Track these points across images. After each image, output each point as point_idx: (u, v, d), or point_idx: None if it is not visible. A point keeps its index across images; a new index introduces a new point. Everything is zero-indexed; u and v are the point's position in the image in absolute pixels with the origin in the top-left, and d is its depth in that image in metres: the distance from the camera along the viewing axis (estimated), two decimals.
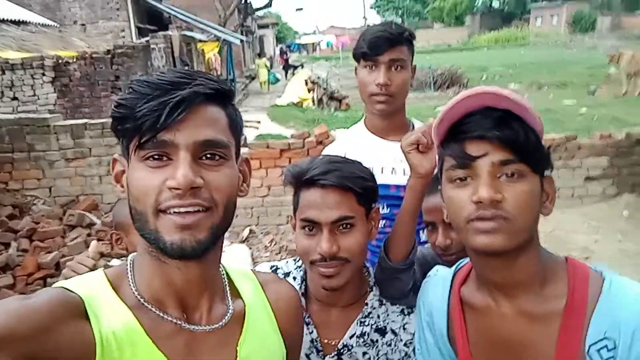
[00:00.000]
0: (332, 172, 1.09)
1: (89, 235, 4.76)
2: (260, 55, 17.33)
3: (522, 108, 0.86)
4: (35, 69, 8.33)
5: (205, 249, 0.71)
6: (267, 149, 5.39)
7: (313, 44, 44.85)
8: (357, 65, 1.67)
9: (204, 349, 0.76)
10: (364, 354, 1.18)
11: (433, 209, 1.29)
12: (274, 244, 5.26)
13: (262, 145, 5.44)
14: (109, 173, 5.52)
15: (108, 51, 8.47)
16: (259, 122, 11.16)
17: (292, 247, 5.02)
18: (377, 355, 1.19)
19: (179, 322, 0.75)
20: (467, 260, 1.07)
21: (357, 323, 1.19)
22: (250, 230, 5.33)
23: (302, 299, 1.20)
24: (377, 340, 1.20)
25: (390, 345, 1.20)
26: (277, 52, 29.29)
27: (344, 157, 1.21)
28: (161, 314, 0.74)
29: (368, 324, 1.19)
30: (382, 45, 1.55)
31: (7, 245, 4.47)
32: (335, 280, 1.11)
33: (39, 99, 8.44)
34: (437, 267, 1.16)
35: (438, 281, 1.10)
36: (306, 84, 14.72)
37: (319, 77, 15.17)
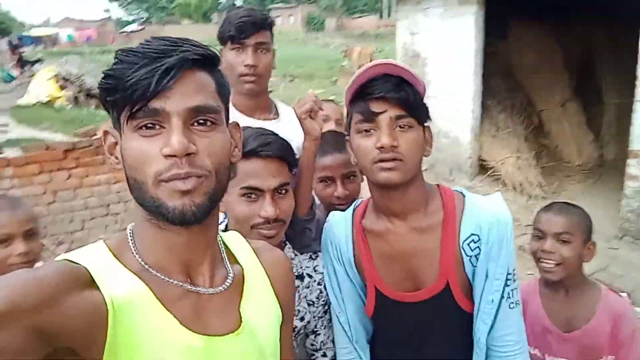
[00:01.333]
0: (270, 144, 1.23)
1: None
2: None
3: (411, 75, 1.15)
4: None
5: (205, 213, 0.73)
6: (47, 150, 4.81)
7: (50, 36, 39.30)
8: (222, 48, 1.75)
9: (210, 311, 0.78)
10: None
11: (333, 165, 1.54)
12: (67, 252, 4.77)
13: (41, 147, 4.83)
14: None
15: None
16: (6, 124, 9.53)
17: None
18: (299, 298, 1.36)
19: (185, 285, 0.76)
20: (359, 201, 1.36)
21: None
22: (43, 245, 4.70)
23: None
24: (298, 286, 1.35)
25: (308, 287, 1.38)
26: (5, 45, 24.82)
27: (272, 131, 1.30)
28: (166, 279, 0.75)
29: None
30: (249, 29, 1.67)
31: None
32: (275, 240, 1.22)
33: None
34: (333, 212, 1.41)
35: (340, 219, 1.34)
36: (56, 81, 13.06)
37: (70, 74, 13.59)
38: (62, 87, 13.03)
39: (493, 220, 1.16)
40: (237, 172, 1.22)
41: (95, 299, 0.66)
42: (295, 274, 1.35)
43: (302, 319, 1.36)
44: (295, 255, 1.40)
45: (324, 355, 1.43)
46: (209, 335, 0.75)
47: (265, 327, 0.85)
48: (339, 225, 1.32)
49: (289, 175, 1.27)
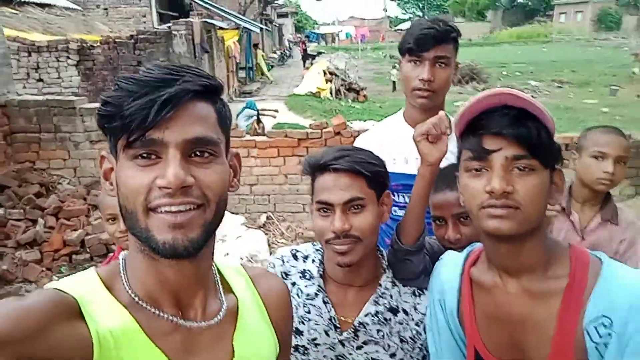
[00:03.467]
0: (343, 157, 1.18)
1: None
2: (257, 46, 17.72)
3: (536, 108, 0.94)
4: (60, 52, 8.50)
5: (198, 247, 0.70)
6: (286, 137, 5.48)
7: (332, 34, 44.68)
8: (401, 59, 1.71)
9: (200, 345, 0.76)
10: (378, 331, 1.26)
11: (442, 204, 1.36)
12: (290, 231, 5.37)
13: (281, 134, 5.53)
14: None
15: (131, 36, 8.59)
16: (276, 110, 11.26)
17: (308, 234, 5.12)
18: (390, 332, 1.26)
19: (175, 319, 0.74)
20: (477, 244, 1.15)
21: (372, 302, 1.26)
22: (267, 217, 5.44)
23: (321, 280, 1.29)
24: (390, 319, 1.27)
25: (402, 323, 1.27)
26: (285, 42, 29.09)
27: (355, 146, 1.28)
28: (157, 312, 0.73)
29: (381, 304, 1.27)
30: (428, 42, 1.59)
31: (34, 222, 4.63)
32: (348, 257, 1.18)
33: (63, 81, 8.62)
34: (449, 251, 1.24)
35: (450, 262, 1.18)
36: (324, 74, 14.74)
37: (337, 68, 15.18)
38: (328, 80, 14.63)
39: (635, 303, 0.88)
40: (315, 186, 1.22)
41: (81, 331, 0.65)
42: (389, 306, 1.27)
43: (392, 354, 1.27)
44: (394, 285, 1.30)
45: None
46: None
47: (260, 358, 0.82)
48: (447, 269, 1.17)
49: (368, 190, 1.19)
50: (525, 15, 52.83)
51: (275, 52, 28.56)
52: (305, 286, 1.30)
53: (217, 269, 0.86)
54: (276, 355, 0.86)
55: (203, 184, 0.69)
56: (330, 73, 14.61)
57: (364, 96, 14.91)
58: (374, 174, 1.20)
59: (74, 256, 4.45)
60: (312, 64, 19.60)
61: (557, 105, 13.81)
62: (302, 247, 1.39)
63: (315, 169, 1.22)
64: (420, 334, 1.27)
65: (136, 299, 0.72)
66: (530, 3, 53.70)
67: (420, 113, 1.69)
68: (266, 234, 5.16)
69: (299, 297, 1.30)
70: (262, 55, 19.12)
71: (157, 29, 9.04)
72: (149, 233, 0.68)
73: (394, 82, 17.53)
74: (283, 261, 1.35)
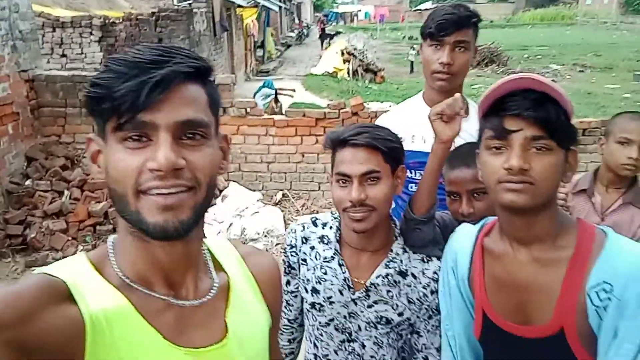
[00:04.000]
0: (362, 134, 1.28)
1: None
2: (268, 24, 17.77)
3: (556, 92, 1.02)
4: (84, 28, 8.60)
5: (188, 228, 0.70)
6: (304, 117, 5.55)
7: (351, 13, 44.16)
8: (422, 42, 1.79)
9: (194, 323, 0.76)
10: (388, 291, 1.37)
11: (458, 180, 1.45)
12: (305, 208, 5.49)
13: (299, 114, 5.60)
14: None
15: (152, 13, 8.66)
16: (293, 90, 11.30)
17: (322, 212, 5.24)
18: (399, 294, 1.37)
19: (167, 298, 0.74)
20: (491, 218, 1.25)
21: (383, 266, 1.37)
22: (283, 194, 5.56)
23: (337, 245, 1.40)
24: (399, 282, 1.38)
25: (410, 286, 1.38)
26: (304, 21, 28.65)
27: (375, 124, 1.39)
28: (149, 292, 0.73)
29: (392, 267, 1.37)
30: (449, 28, 1.67)
31: (60, 194, 4.82)
32: (363, 224, 1.29)
33: (86, 57, 8.74)
34: (464, 224, 1.33)
35: (465, 232, 1.28)
36: (342, 54, 14.69)
37: (355, 49, 15.10)
38: (346, 61, 14.59)
39: (634, 272, 0.97)
40: (335, 160, 1.32)
41: (72, 313, 0.65)
42: (399, 269, 1.38)
43: (400, 314, 1.39)
44: (405, 251, 1.41)
45: (425, 358, 1.43)
46: (193, 348, 0.74)
47: (253, 334, 0.84)
48: (462, 238, 1.27)
49: (384, 164, 1.29)
50: None
51: (293, 31, 28.39)
52: (323, 250, 1.42)
53: (208, 248, 0.86)
54: (269, 329, 0.89)
55: (194, 166, 0.69)
56: (349, 53, 14.55)
57: (382, 77, 14.85)
58: (390, 150, 1.29)
59: (98, 227, 4.64)
60: (330, 44, 19.50)
61: (578, 90, 13.60)
62: (321, 215, 1.51)
63: (336, 143, 1.32)
64: (427, 296, 1.37)
65: (127, 280, 0.72)
66: None
67: (439, 95, 1.76)
68: (282, 210, 5.29)
69: (317, 259, 1.42)
70: (272, 33, 19.11)
71: (178, 5, 9.08)
72: (139, 215, 0.68)
73: (411, 63, 17.40)
74: (304, 227, 1.47)
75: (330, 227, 1.45)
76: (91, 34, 8.67)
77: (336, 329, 1.43)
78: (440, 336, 1.36)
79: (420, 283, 1.39)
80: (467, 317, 1.24)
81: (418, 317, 1.40)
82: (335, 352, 1.45)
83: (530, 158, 1.01)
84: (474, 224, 1.30)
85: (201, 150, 0.71)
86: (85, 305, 0.66)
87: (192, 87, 0.71)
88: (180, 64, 0.68)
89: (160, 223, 0.68)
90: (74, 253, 4.28)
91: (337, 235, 1.42)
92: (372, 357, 1.42)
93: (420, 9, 49.09)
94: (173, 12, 8.59)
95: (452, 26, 1.66)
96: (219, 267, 0.85)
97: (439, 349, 1.39)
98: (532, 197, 1.02)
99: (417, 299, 1.38)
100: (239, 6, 13.75)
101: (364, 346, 1.42)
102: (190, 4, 9.21)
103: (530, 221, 1.07)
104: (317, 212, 5.31)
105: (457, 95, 1.38)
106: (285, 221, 5.13)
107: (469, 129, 1.77)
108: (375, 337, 1.41)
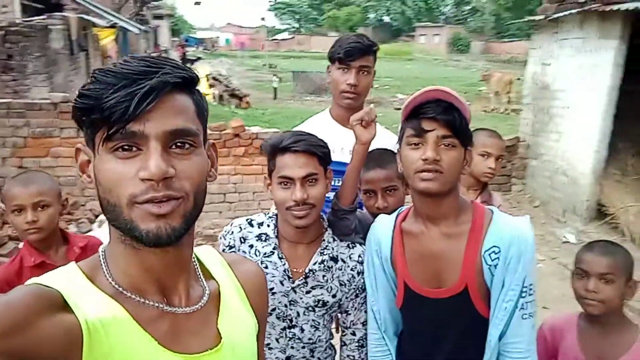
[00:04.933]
0: (301, 141, 1.46)
1: None
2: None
3: (461, 103, 1.32)
4: None
5: (180, 235, 0.72)
6: None
7: (211, 39, 44.07)
8: (330, 65, 2.05)
9: (187, 329, 0.78)
10: (323, 276, 1.56)
11: (373, 179, 1.74)
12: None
13: None
14: (13, 155, 5.32)
15: (1, 27, 7.88)
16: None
17: (207, 232, 5.25)
18: (332, 277, 1.57)
19: (161, 306, 0.75)
20: (404, 207, 1.53)
21: (318, 254, 1.55)
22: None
23: (276, 240, 1.56)
24: (332, 267, 1.57)
25: (341, 269, 1.58)
26: (168, 44, 28.01)
27: (307, 132, 1.55)
28: (142, 300, 0.74)
29: (325, 254, 1.56)
30: (355, 54, 1.93)
31: None
32: (305, 220, 1.46)
33: None
34: (381, 215, 1.59)
35: (385, 220, 1.53)
36: (207, 79, 14.70)
37: (220, 74, 15.22)
38: (211, 86, 14.63)
39: (514, 237, 1.30)
40: (276, 165, 1.48)
41: (68, 322, 0.65)
42: (331, 255, 1.57)
43: (334, 295, 1.58)
44: (334, 240, 1.60)
45: (353, 334, 1.65)
46: (188, 354, 0.76)
47: (243, 340, 0.86)
48: (382, 225, 1.52)
49: (319, 167, 1.48)
50: (392, 34, 57.36)
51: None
52: (263, 247, 1.57)
53: (196, 256, 0.88)
54: (256, 334, 0.92)
55: (183, 175, 0.71)
56: (214, 79, 14.62)
57: (247, 102, 15.15)
58: (323, 154, 1.51)
59: None
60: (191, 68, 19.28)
61: None
62: (256, 216, 1.66)
63: (277, 150, 1.49)
64: (354, 277, 1.59)
65: (120, 289, 0.73)
66: (395, 23, 58.37)
67: (346, 111, 2.03)
68: None
69: (256, 256, 1.56)
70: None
71: (30, 21, 8.36)
72: (132, 224, 0.69)
73: (274, 90, 18.06)
74: (241, 228, 1.60)
75: (268, 225, 1.60)
76: None
77: (277, 318, 1.58)
78: (365, 312, 1.61)
79: (349, 266, 1.59)
80: (389, 292, 1.49)
81: (347, 297, 1.60)
82: (277, 340, 1.60)
83: (440, 152, 1.29)
84: (389, 214, 1.57)
85: (190, 159, 0.72)
86: (81, 313, 0.66)
87: (181, 97, 0.72)
88: (168, 74, 0.69)
89: (153, 230, 0.69)
90: None
91: (275, 231, 1.58)
92: (309, 339, 1.60)
93: (277, 39, 50.94)
94: (25, 27, 7.92)
95: (358, 53, 1.95)
96: (208, 275, 0.87)
97: (364, 324, 1.63)
98: (442, 184, 1.30)
99: (347, 281, 1.59)
100: (95, 25, 13.01)
101: (302, 330, 1.59)
102: (44, 19, 8.54)
103: (439, 202, 1.35)
104: (202, 233, 5.33)
105: (372, 105, 1.69)
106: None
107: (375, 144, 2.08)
108: (313, 319, 1.58)
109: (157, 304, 0.75)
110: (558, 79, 6.48)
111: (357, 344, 1.66)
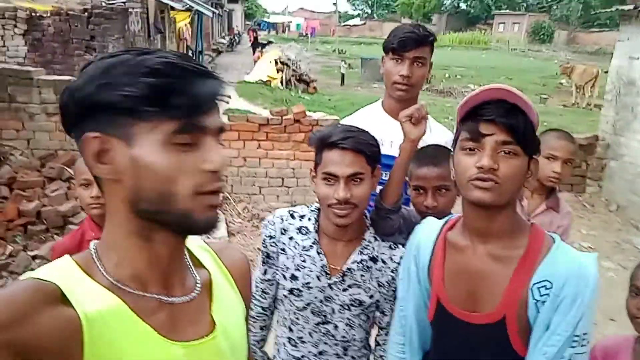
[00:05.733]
0: (349, 138, 1.40)
1: (68, 188, 4.91)
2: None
3: (527, 105, 1.14)
4: (7, 20, 8.14)
5: None
6: (247, 122, 5.66)
7: (283, 24, 44.58)
8: (384, 55, 1.98)
9: (185, 319, 0.79)
10: (361, 275, 1.51)
11: (425, 176, 1.65)
12: (246, 212, 5.57)
13: (242, 119, 5.70)
14: None
15: (85, 10, 8.37)
16: (228, 96, 11.25)
17: (263, 215, 5.35)
18: (371, 278, 1.52)
19: (160, 297, 0.77)
20: (455, 215, 1.38)
21: (357, 252, 1.51)
22: (224, 197, 5.61)
23: (316, 235, 1.53)
24: (371, 267, 1.52)
25: (380, 270, 1.53)
26: (241, 28, 28.49)
27: (358, 128, 1.49)
28: (141, 292, 0.75)
29: (365, 254, 1.51)
30: (409, 45, 1.85)
31: None
32: (346, 220, 1.42)
33: (8, 50, 8.26)
34: (430, 217, 1.46)
35: (430, 225, 1.40)
36: (276, 63, 14.84)
37: (289, 59, 15.32)
38: (279, 70, 14.76)
39: (572, 274, 1.13)
40: (322, 159, 1.43)
41: (68, 314, 0.66)
42: (370, 255, 1.52)
43: (371, 296, 1.53)
44: (376, 239, 1.55)
45: (387, 334, 1.57)
46: (186, 342, 0.78)
47: (235, 325, 0.89)
48: (427, 230, 1.40)
49: (367, 166, 1.42)
50: (468, 21, 55.18)
51: (224, 38, 28.15)
52: (302, 240, 1.54)
53: (186, 246, 0.90)
54: (245, 318, 0.95)
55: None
56: (282, 63, 14.73)
57: (314, 88, 15.18)
58: (372, 153, 1.43)
59: (29, 227, 4.44)
60: (262, 52, 19.60)
61: None
62: (298, 208, 1.62)
63: (325, 144, 1.43)
64: (394, 280, 1.52)
65: (116, 282, 0.74)
66: (472, 10, 56.16)
67: (398, 103, 1.95)
68: (223, 213, 5.34)
69: (295, 249, 1.54)
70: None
71: (112, 4, 8.82)
72: (189, 213, 0.71)
73: (342, 76, 17.96)
74: (282, 219, 1.57)
75: (309, 219, 1.56)
76: (15, 26, 8.20)
77: (312, 313, 1.55)
78: None
79: (389, 268, 1.53)
80: (420, 302, 1.37)
81: (385, 298, 1.55)
82: (310, 334, 1.57)
83: (498, 160, 1.13)
84: (438, 218, 1.45)
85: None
86: (80, 306, 0.67)
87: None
88: (217, 77, 0.74)
89: (210, 219, 0.74)
90: (2, 254, 4.09)
91: (316, 226, 1.54)
92: (343, 337, 1.57)
93: (349, 24, 50.57)
94: (107, 10, 8.36)
95: (412, 43, 1.86)
96: (198, 264, 0.88)
97: None
98: (498, 195, 1.13)
99: (387, 282, 1.53)
100: (172, 9, 13.53)
101: (337, 327, 1.55)
102: (124, 2, 8.97)
103: (491, 217, 1.19)
104: (258, 215, 5.42)
105: (423, 102, 1.60)
106: (227, 223, 5.18)
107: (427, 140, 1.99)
108: (348, 318, 1.54)
109: (155, 295, 0.76)
110: None
111: None
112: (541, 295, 1.14)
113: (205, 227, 0.73)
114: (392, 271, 1.53)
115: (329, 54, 28.51)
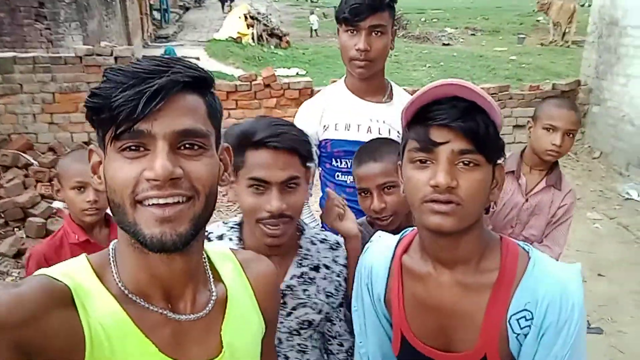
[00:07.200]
0: (281, 135, 1.13)
1: (25, 176, 4.60)
2: None
3: (486, 101, 0.91)
4: None
5: (186, 241, 0.70)
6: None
7: None
8: (338, 27, 1.70)
9: (190, 337, 0.77)
10: (304, 290, 1.27)
11: (367, 176, 1.42)
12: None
13: None
14: (43, 111, 5.26)
15: None
16: (197, 58, 10.76)
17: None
18: (317, 290, 1.28)
19: (165, 312, 0.74)
20: (410, 230, 1.14)
21: (295, 265, 1.27)
22: None
23: None
24: (314, 278, 1.28)
25: (325, 278, 1.29)
26: None
27: (286, 121, 1.23)
28: (147, 305, 0.73)
29: (305, 265, 1.28)
30: (363, 12, 1.58)
31: None
32: (279, 239, 1.17)
33: None
34: (380, 233, 1.23)
35: (381, 247, 1.16)
36: (245, 18, 14.17)
37: (258, 13, 14.64)
38: (249, 25, 14.11)
39: (554, 299, 0.93)
40: (246, 161, 1.15)
41: (73, 322, 0.66)
42: (311, 265, 1.29)
43: (319, 312, 1.30)
44: (313, 243, 1.32)
45: (340, 344, 1.39)
46: None
47: (247, 344, 0.84)
48: (377, 252, 1.16)
49: (302, 168, 1.18)
50: None
51: None
52: None
53: (207, 255, 0.85)
54: (261, 338, 0.89)
55: (192, 176, 0.69)
56: (252, 17, 14.07)
57: (287, 42, 14.62)
58: (307, 152, 1.19)
59: None
60: (231, 7, 18.71)
61: (471, 53, 14.42)
62: (212, 227, 1.32)
63: (247, 142, 1.15)
64: (342, 285, 1.33)
65: (126, 291, 0.72)
66: None
67: (360, 81, 1.73)
68: None
69: None
70: None
71: None
72: (136, 227, 0.67)
73: (311, 29, 17.33)
74: None
75: (230, 239, 1.28)
76: None
77: None
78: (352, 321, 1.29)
79: (334, 272, 1.32)
80: (382, 335, 1.15)
81: (332, 307, 1.34)
82: None
83: (457, 174, 0.91)
84: (385, 224, 1.28)
85: (199, 160, 0.71)
86: (85, 315, 0.67)
87: (191, 97, 0.71)
88: (178, 73, 0.68)
89: (157, 235, 0.67)
90: None
91: (240, 244, 1.27)
92: None
93: None
94: None
95: (366, 10, 1.59)
96: (217, 277, 0.85)
97: (351, 333, 1.31)
98: (460, 220, 0.92)
99: (335, 289, 1.32)
100: None
101: (287, 358, 1.30)
102: None
103: (455, 243, 0.97)
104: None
105: (327, 190, 1.41)
106: None
107: (386, 119, 1.74)
108: (299, 344, 1.31)
109: (161, 310, 0.74)
110: (630, 14, 5.65)
111: (345, 354, 1.39)
112: (521, 328, 0.96)
113: (155, 244, 0.67)
114: (337, 275, 1.32)
115: (301, 3, 27.46)
